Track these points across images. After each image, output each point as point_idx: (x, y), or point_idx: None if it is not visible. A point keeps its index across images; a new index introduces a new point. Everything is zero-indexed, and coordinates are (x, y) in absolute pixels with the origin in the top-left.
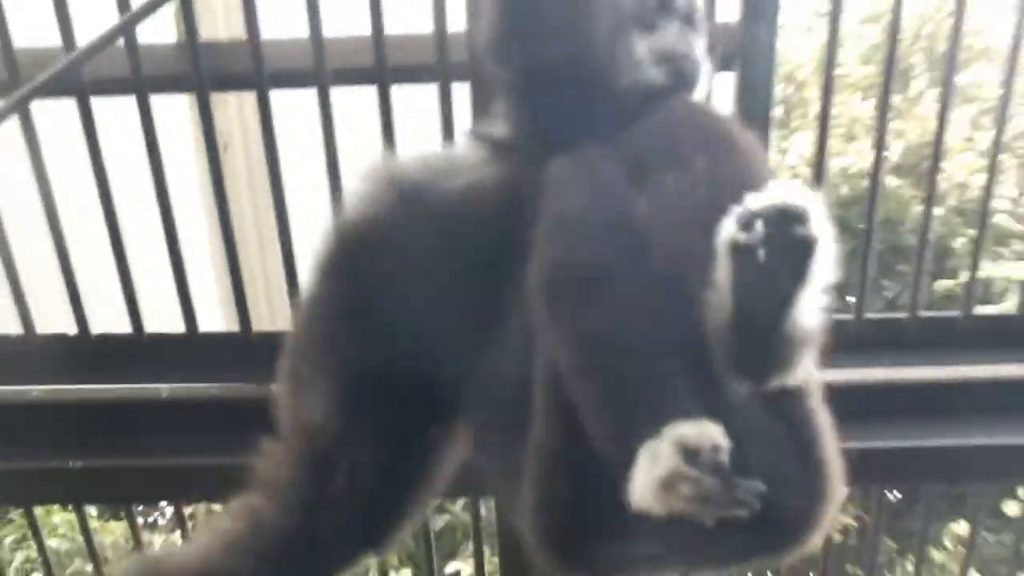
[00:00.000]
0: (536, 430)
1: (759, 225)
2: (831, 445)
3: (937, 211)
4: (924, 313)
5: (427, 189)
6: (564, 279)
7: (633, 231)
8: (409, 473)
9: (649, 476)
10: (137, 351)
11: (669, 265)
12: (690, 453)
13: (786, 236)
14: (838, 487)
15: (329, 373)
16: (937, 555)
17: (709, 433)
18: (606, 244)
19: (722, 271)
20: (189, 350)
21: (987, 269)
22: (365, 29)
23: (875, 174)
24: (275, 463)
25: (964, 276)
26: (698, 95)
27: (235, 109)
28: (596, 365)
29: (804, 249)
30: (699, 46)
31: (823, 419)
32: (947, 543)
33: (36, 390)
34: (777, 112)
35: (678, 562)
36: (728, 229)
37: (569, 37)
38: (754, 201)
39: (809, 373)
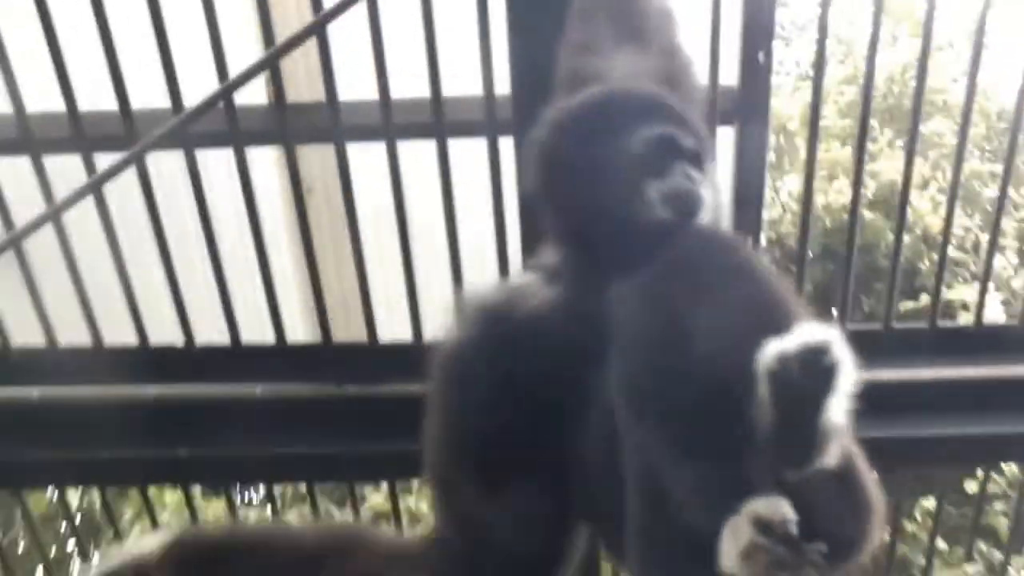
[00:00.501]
0: (632, 511)
1: (792, 360)
2: (870, 483)
3: (906, 239)
4: (896, 325)
5: (506, 313)
6: (643, 387)
7: (690, 347)
8: (548, 555)
9: (732, 547)
10: (234, 358)
11: (721, 378)
12: (764, 525)
13: (814, 364)
14: (880, 514)
15: (469, 470)
16: (909, 526)
17: (778, 507)
18: (672, 357)
19: (763, 390)
20: (278, 357)
21: (944, 291)
22: (425, 91)
23: (854, 208)
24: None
25: (926, 298)
26: (710, 222)
27: (317, 159)
28: (680, 459)
29: (829, 374)
30: (704, 180)
31: (860, 463)
32: (917, 516)
33: (151, 390)
34: (770, 158)
35: None
36: (766, 361)
37: (594, 188)
38: (787, 342)
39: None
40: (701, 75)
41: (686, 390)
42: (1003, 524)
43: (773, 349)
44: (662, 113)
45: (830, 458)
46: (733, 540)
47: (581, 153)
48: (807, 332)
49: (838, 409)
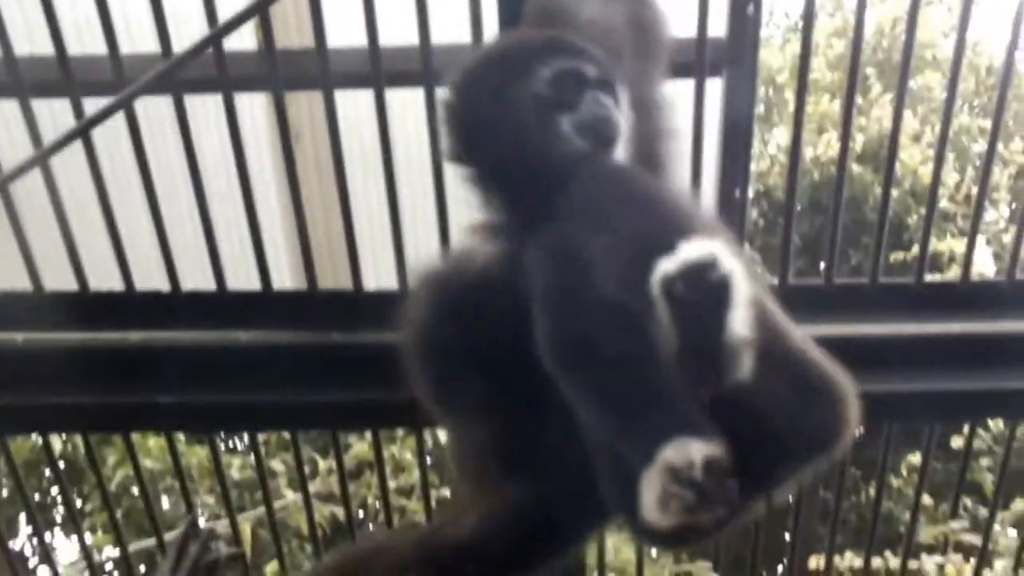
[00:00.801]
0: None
1: (679, 280)
2: (830, 372)
3: (893, 193)
4: (883, 279)
5: (454, 279)
6: (558, 347)
7: (598, 295)
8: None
9: (649, 498)
10: (220, 305)
11: (626, 316)
12: (674, 472)
13: (703, 283)
14: (849, 398)
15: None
16: (895, 482)
17: (687, 451)
18: (582, 313)
19: (662, 313)
20: (264, 303)
21: (934, 244)
22: (414, 38)
23: (841, 162)
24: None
25: (916, 249)
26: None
27: (305, 106)
28: (602, 413)
29: (720, 287)
30: (617, 106)
31: (816, 356)
32: (903, 471)
33: (134, 336)
34: (759, 110)
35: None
36: (656, 283)
37: (507, 135)
38: (670, 261)
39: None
40: (687, 25)
41: (594, 333)
42: (988, 480)
43: (660, 270)
44: (560, 48)
45: (743, 371)
46: (649, 491)
47: (489, 104)
48: (691, 249)
49: (740, 320)
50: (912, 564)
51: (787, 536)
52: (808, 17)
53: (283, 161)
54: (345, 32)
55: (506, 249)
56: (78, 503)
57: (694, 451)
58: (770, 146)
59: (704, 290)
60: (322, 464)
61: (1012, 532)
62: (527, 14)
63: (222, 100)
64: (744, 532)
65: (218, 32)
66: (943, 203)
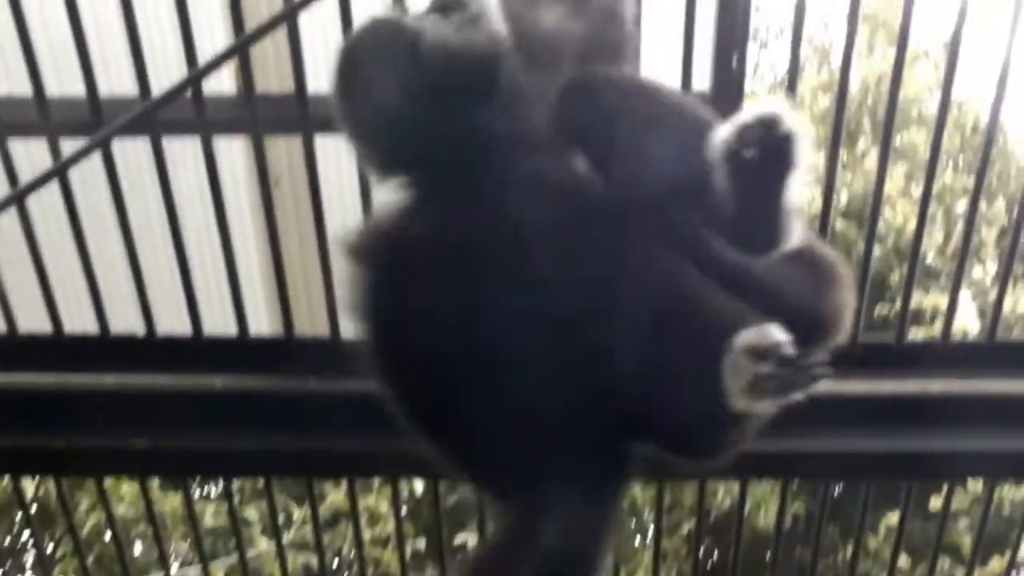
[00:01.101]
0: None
1: (749, 131)
2: (832, 256)
3: (877, 249)
4: (863, 340)
5: (395, 242)
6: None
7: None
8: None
9: (737, 384)
10: (196, 349)
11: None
12: (760, 354)
13: (770, 135)
14: (850, 283)
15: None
16: (873, 541)
17: (768, 333)
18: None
19: (721, 175)
20: (240, 350)
21: (917, 299)
22: None
23: (825, 217)
24: None
25: (899, 303)
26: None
27: (284, 150)
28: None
29: (786, 143)
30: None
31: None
32: (881, 531)
33: (109, 379)
34: None
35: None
36: (721, 143)
37: (398, 79)
38: (740, 118)
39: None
40: (671, 78)
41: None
42: (967, 542)
43: (725, 129)
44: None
45: (795, 238)
46: (735, 378)
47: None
48: (758, 107)
49: (798, 186)
50: None
51: None
52: (793, 72)
53: (262, 205)
54: (326, 76)
55: (442, 214)
56: (49, 547)
57: (776, 332)
58: None
59: (771, 147)
60: (297, 513)
61: None
62: None
63: (201, 143)
64: None
65: (197, 74)
66: (929, 259)
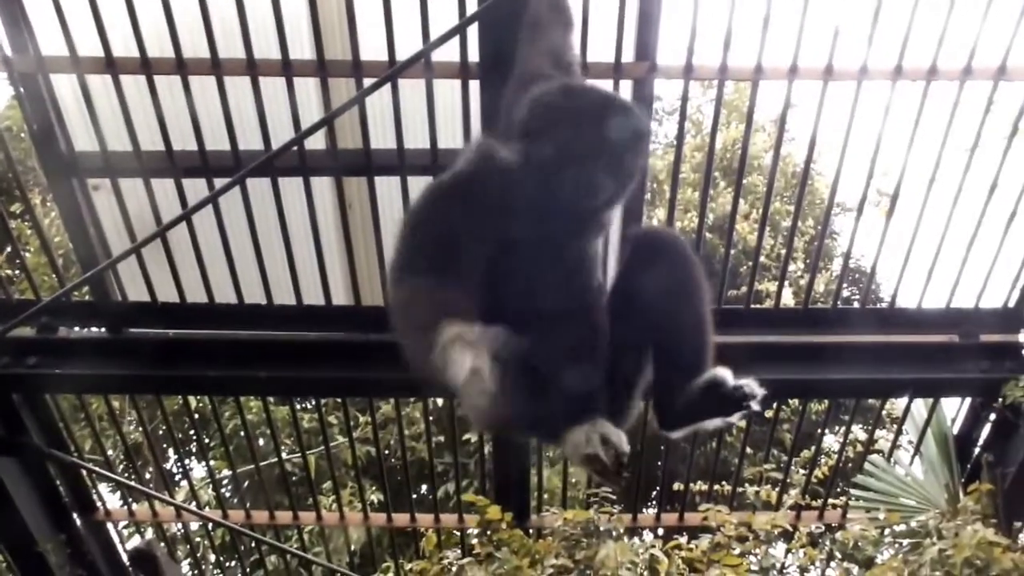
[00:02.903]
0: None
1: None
2: None
3: (732, 252)
4: (724, 307)
5: (492, 162)
6: None
7: None
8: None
9: (575, 456)
10: (297, 313)
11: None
12: (605, 441)
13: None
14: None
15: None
16: (729, 438)
17: (591, 438)
18: None
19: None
20: (326, 312)
21: (758, 284)
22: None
23: (700, 231)
24: None
25: (745, 288)
26: None
27: (356, 186)
28: None
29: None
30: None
31: None
32: (734, 432)
33: (243, 333)
34: (647, 197)
35: None
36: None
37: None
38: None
39: None
40: None
41: None
42: (787, 438)
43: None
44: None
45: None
46: (574, 453)
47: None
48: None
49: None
50: (739, 490)
51: (659, 472)
52: (680, 137)
53: (340, 221)
54: (386, 135)
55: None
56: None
57: (615, 437)
58: (653, 220)
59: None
60: (361, 419)
61: (802, 471)
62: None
63: (302, 183)
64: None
65: (300, 136)
66: (763, 259)
